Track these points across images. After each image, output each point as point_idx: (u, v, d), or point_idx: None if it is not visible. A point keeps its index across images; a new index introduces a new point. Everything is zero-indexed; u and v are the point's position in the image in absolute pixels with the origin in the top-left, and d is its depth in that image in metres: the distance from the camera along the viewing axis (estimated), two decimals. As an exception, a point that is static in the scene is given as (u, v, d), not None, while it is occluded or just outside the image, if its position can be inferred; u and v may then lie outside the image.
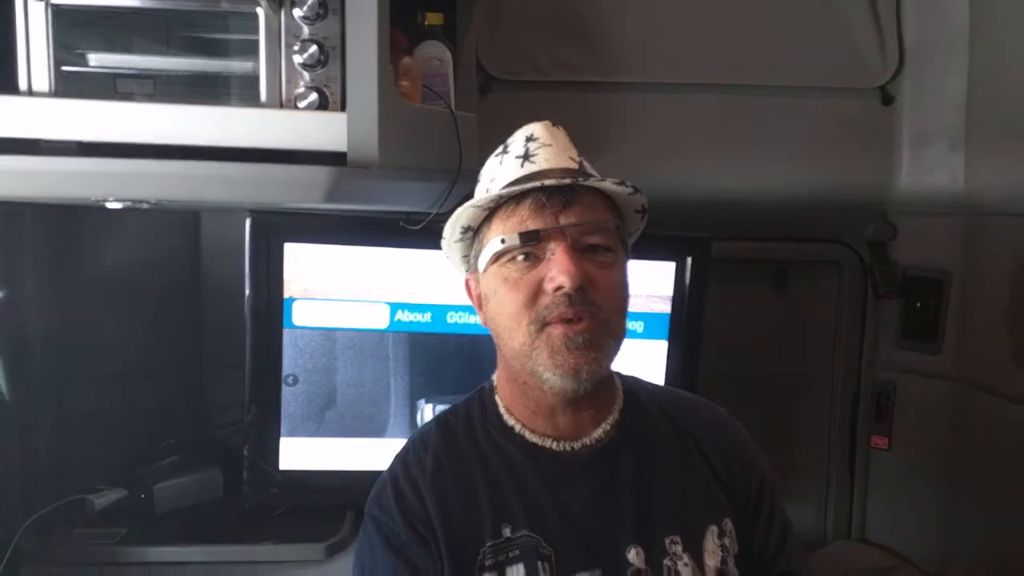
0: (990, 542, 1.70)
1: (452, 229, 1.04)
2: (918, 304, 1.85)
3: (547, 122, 1.04)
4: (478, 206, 1.00)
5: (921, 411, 1.88)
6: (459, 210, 1.00)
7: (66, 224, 1.65)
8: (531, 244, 0.96)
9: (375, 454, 1.59)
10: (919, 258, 1.85)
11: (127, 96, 1.24)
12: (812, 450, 2.03)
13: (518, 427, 1.06)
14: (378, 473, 1.08)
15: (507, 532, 1.00)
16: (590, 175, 1.02)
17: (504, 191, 0.97)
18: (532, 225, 0.96)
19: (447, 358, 1.62)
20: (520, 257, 0.97)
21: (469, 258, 1.08)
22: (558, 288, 0.94)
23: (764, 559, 1.09)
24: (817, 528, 2.05)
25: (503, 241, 0.97)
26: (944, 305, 1.80)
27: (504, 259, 0.99)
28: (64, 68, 1.20)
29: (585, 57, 1.72)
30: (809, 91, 1.77)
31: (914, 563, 1.89)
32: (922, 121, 1.76)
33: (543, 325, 0.95)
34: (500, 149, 1.06)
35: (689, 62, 1.75)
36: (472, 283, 1.08)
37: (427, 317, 1.59)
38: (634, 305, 1.60)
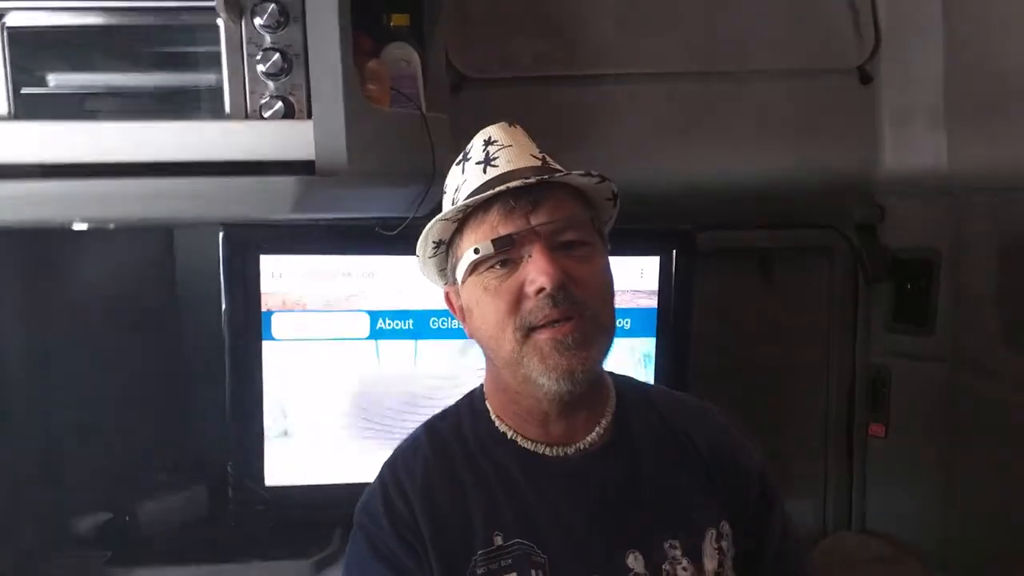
0: (991, 526, 1.68)
1: (424, 246, 1.02)
2: (908, 286, 1.83)
3: (503, 123, 1.03)
4: (446, 219, 0.98)
5: (917, 396, 1.86)
6: (428, 227, 0.99)
7: (40, 247, 1.63)
8: (505, 250, 0.94)
9: (361, 467, 1.56)
10: (907, 239, 1.83)
11: (92, 116, 1.22)
12: (809, 441, 2.01)
13: (510, 433, 1.04)
14: (366, 486, 1.06)
15: (499, 540, 0.98)
16: (555, 170, 0.99)
17: (470, 200, 0.95)
18: (503, 230, 0.94)
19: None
20: (497, 264, 0.96)
21: (446, 272, 1.06)
22: (539, 290, 0.92)
23: (764, 559, 1.06)
24: (816, 519, 2.02)
25: (477, 251, 0.95)
26: (935, 286, 1.78)
27: (481, 268, 0.97)
28: (24, 90, 1.17)
29: (558, 51, 1.70)
30: (787, 74, 1.75)
31: (915, 552, 1.87)
32: (902, 100, 1.74)
33: (529, 331, 0.93)
34: (460, 157, 1.05)
35: (664, 51, 1.72)
36: (452, 295, 1.06)
37: (409, 324, 1.57)
38: (620, 301, 1.59)
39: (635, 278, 1.62)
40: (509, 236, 0.94)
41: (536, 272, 0.92)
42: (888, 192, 1.82)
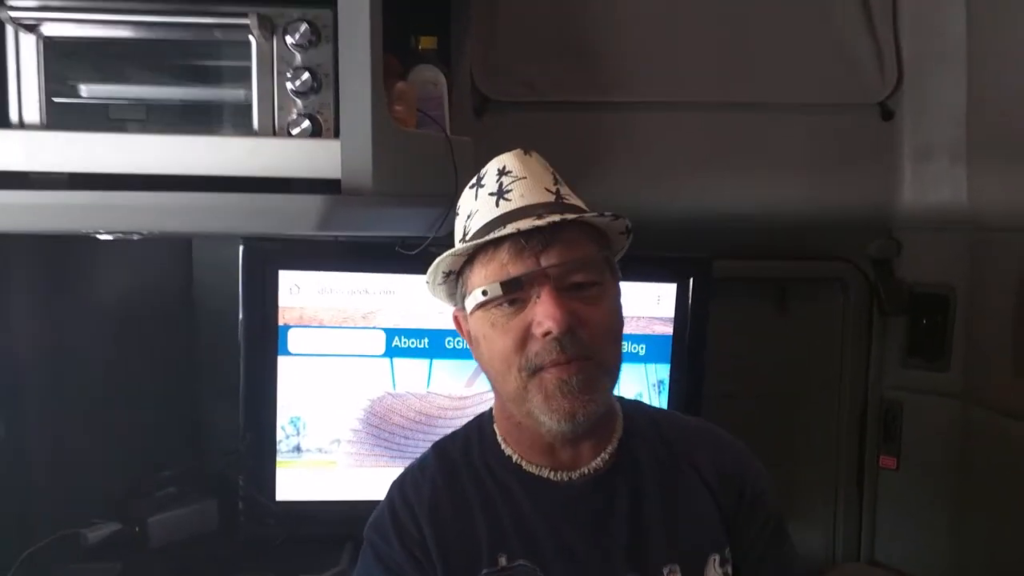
0: (1001, 563, 1.67)
1: (434, 274, 1.03)
2: (924, 321, 1.82)
3: (519, 151, 1.03)
4: (456, 255, 0.99)
5: (930, 430, 1.85)
6: (437, 260, 0.99)
7: (58, 253, 1.63)
8: (513, 292, 0.95)
9: (373, 484, 1.56)
10: (924, 274, 1.82)
11: (120, 125, 1.23)
12: (819, 471, 2.00)
13: (515, 457, 1.05)
14: (377, 503, 1.08)
15: (503, 561, 0.99)
16: (568, 204, 1.00)
17: (479, 241, 0.96)
18: (513, 271, 0.94)
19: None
20: (505, 303, 0.96)
21: (455, 296, 1.06)
22: (546, 333, 0.92)
23: (762, 569, 1.06)
24: (826, 550, 2.01)
25: (485, 293, 0.95)
26: (951, 322, 1.77)
27: (490, 305, 0.97)
28: (56, 99, 1.19)
29: (581, 77, 1.70)
30: (808, 108, 1.75)
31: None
32: (923, 136, 1.74)
33: (535, 371, 0.94)
34: (474, 180, 1.05)
35: (687, 80, 1.73)
36: (461, 319, 1.07)
37: (424, 343, 1.57)
38: (636, 327, 1.60)
39: (651, 304, 1.62)
40: (518, 279, 0.94)
41: (543, 315, 0.92)
42: (906, 227, 1.82)
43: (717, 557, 1.02)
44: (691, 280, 1.62)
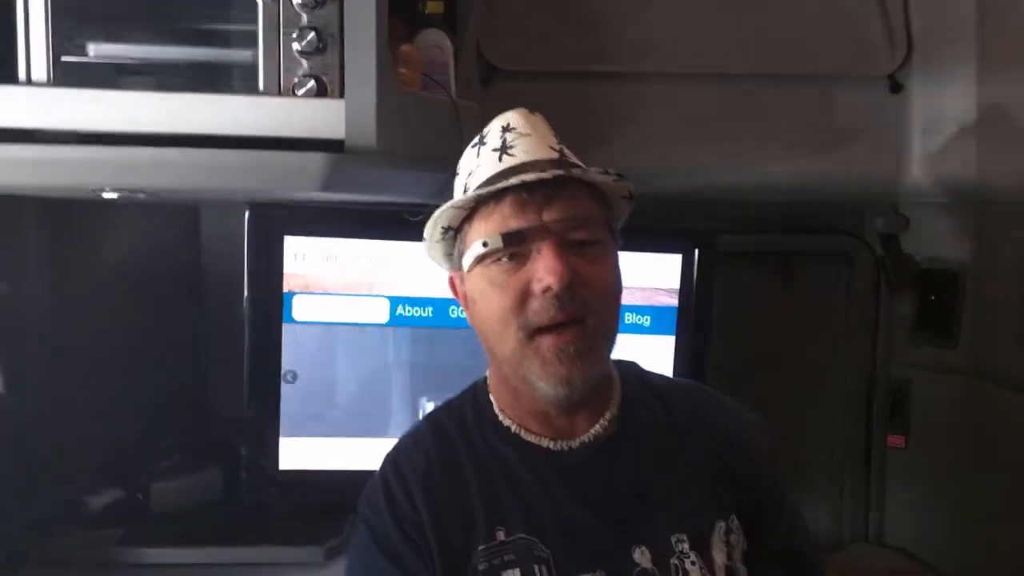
0: (1011, 543, 1.65)
1: (432, 230, 1.01)
2: (933, 298, 1.81)
3: (523, 110, 1.02)
4: (457, 207, 0.97)
5: (938, 408, 1.83)
6: (438, 211, 0.98)
7: (65, 218, 1.63)
8: (515, 245, 0.93)
9: (377, 453, 1.55)
10: (933, 250, 1.81)
11: (128, 86, 1.23)
12: (826, 450, 1.98)
13: (513, 427, 1.03)
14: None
15: (501, 535, 0.97)
16: (572, 164, 0.98)
17: (482, 191, 0.94)
18: (515, 224, 0.93)
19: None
20: (504, 258, 0.94)
21: (453, 256, 1.04)
22: (546, 289, 0.91)
23: (772, 537, 1.04)
24: (833, 530, 1.99)
25: (485, 244, 0.94)
26: (960, 298, 1.76)
27: (488, 261, 0.95)
28: (64, 58, 1.19)
29: (588, 47, 1.69)
30: (817, 80, 1.73)
31: (933, 567, 1.84)
32: (932, 109, 1.71)
33: (533, 332, 0.93)
34: (476, 140, 1.03)
35: (696, 51, 1.71)
36: (457, 281, 1.05)
37: (428, 312, 1.57)
38: (640, 298, 1.59)
39: (656, 276, 1.61)
40: (520, 231, 0.93)
41: (544, 271, 0.91)
42: (914, 202, 1.81)
43: (723, 525, 1.00)
44: (696, 252, 1.62)
